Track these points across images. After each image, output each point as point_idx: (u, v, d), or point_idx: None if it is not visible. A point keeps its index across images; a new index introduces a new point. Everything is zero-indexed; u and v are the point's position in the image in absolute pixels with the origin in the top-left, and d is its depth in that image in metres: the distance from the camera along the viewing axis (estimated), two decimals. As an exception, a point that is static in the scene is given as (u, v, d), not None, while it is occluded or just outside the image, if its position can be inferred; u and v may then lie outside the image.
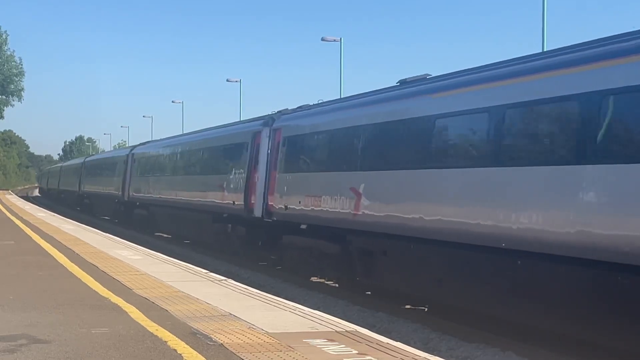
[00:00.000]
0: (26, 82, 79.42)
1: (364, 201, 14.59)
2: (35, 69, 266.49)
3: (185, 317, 9.47)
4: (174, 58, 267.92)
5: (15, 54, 67.69)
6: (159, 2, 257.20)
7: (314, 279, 18.31)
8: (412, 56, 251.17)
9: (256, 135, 20.89)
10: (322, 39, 39.74)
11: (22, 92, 68.22)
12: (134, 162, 37.26)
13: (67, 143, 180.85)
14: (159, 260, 16.81)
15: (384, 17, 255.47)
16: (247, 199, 20.73)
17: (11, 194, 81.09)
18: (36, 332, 8.49)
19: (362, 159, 15.13)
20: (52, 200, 79.25)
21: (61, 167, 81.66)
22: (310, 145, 17.92)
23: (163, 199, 30.75)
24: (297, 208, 17.45)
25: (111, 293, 11.44)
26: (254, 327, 8.90)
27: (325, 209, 16.10)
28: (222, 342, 8.01)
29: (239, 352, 7.53)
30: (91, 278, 13.19)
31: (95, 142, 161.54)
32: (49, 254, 17.54)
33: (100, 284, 12.49)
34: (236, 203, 21.55)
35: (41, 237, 22.27)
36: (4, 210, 41.69)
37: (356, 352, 7.66)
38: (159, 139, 38.87)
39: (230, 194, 22.25)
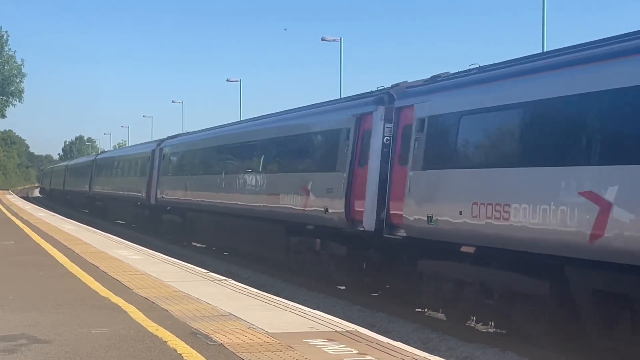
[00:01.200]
0: (26, 82, 79.31)
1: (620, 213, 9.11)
2: (36, 69, 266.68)
3: (185, 317, 9.47)
4: (174, 58, 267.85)
5: (16, 55, 67.56)
6: (159, 2, 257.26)
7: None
8: (412, 56, 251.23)
9: (363, 118, 15.51)
10: (322, 39, 39.74)
11: (22, 94, 68.17)
12: (163, 159, 31.80)
13: (67, 143, 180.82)
14: (159, 260, 16.81)
15: (384, 17, 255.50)
16: (349, 205, 15.46)
17: (11, 194, 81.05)
18: (36, 332, 8.50)
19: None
20: (55, 201, 75.09)
21: (67, 165, 75.69)
22: (491, 127, 12.00)
23: (207, 203, 24.80)
24: (456, 221, 11.95)
25: (111, 293, 11.45)
26: (254, 327, 8.90)
27: (522, 225, 10.49)
28: (222, 342, 8.01)
29: (239, 352, 7.53)
30: (91, 278, 13.20)
31: (95, 142, 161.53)
32: (49, 254, 17.55)
33: (101, 283, 12.49)
34: (330, 211, 16.06)
35: (41, 237, 22.27)
36: (4, 210, 41.69)
37: (356, 352, 7.67)
38: (194, 130, 32.66)
39: (319, 199, 16.72)
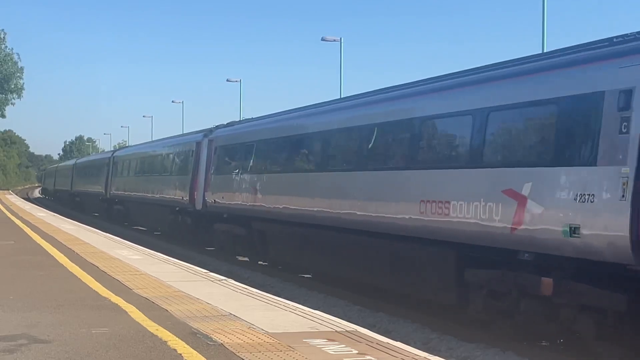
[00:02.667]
0: (27, 83, 79.18)
1: None
2: (36, 69, 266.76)
3: (185, 317, 9.47)
4: (174, 58, 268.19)
5: (13, 51, 67.35)
6: (159, 2, 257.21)
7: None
8: (412, 56, 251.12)
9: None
10: (322, 39, 39.77)
11: (22, 91, 68.02)
12: (215, 153, 24.79)
13: (67, 143, 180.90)
14: (159, 260, 16.81)
15: (384, 17, 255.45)
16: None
17: (11, 194, 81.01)
18: (36, 332, 8.50)
19: None
20: (61, 203, 68.21)
21: (75, 163, 65.74)
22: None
23: (291, 211, 18.09)
24: None
25: (111, 293, 11.45)
26: (254, 327, 8.90)
27: None
28: (222, 342, 8.01)
29: (239, 352, 7.53)
30: (91, 278, 13.20)
31: (95, 142, 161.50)
32: (49, 253, 17.54)
33: (101, 283, 12.49)
34: (586, 232, 9.57)
35: (41, 237, 22.27)
36: (4, 210, 41.68)
37: (356, 351, 7.67)
38: (261, 116, 24.89)
39: (555, 210, 10.13)
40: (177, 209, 28.74)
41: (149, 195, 33.26)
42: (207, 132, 26.90)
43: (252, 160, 21.22)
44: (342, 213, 15.53)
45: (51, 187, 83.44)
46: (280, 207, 18.58)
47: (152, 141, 42.52)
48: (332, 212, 15.97)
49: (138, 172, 37.41)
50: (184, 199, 27.41)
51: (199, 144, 26.87)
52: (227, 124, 26.57)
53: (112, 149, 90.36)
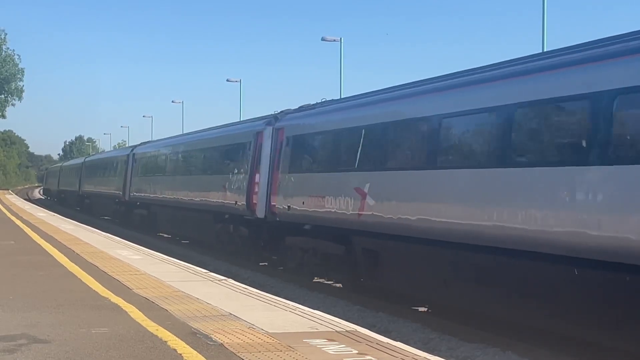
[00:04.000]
0: (26, 83, 79.09)
1: None
2: (35, 69, 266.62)
3: (185, 317, 9.47)
4: (174, 58, 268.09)
5: (14, 53, 67.34)
6: (159, 2, 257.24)
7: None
8: (413, 56, 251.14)
9: None
10: (322, 39, 39.73)
11: (22, 93, 68.00)
12: (288, 145, 18.92)
13: (67, 143, 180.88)
14: (159, 260, 16.81)
15: (384, 17, 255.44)
16: None
17: (11, 194, 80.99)
18: (36, 332, 8.49)
19: None
20: (67, 205, 61.96)
21: (84, 161, 58.24)
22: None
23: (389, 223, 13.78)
24: None
25: (111, 293, 11.45)
26: (254, 327, 8.90)
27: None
28: (222, 342, 8.01)
29: (239, 352, 7.53)
30: (91, 278, 13.20)
31: (95, 142, 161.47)
32: (49, 253, 17.54)
33: (100, 283, 12.49)
34: None
35: (41, 237, 22.27)
36: (4, 210, 41.68)
37: (356, 352, 7.66)
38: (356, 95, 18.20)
39: None
40: (227, 216, 23.01)
41: (186, 198, 26.99)
42: (271, 120, 20.79)
43: (358, 152, 15.29)
44: (554, 232, 9.94)
45: (54, 188, 77.43)
46: (413, 218, 13.04)
47: (188, 133, 33.96)
48: (529, 229, 10.35)
49: (170, 170, 31.01)
50: (239, 204, 21.61)
51: (259, 134, 20.96)
52: (299, 107, 20.53)
53: (112, 148, 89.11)
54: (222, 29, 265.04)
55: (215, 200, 23.99)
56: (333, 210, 15.65)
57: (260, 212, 19.85)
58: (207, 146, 26.62)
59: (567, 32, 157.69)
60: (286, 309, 10.38)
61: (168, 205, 30.10)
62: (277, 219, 18.81)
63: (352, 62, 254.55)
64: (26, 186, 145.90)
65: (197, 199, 25.93)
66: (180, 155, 30.51)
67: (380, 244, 14.61)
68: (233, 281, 13.52)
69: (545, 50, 24.12)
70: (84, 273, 13.87)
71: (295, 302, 11.46)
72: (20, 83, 67.35)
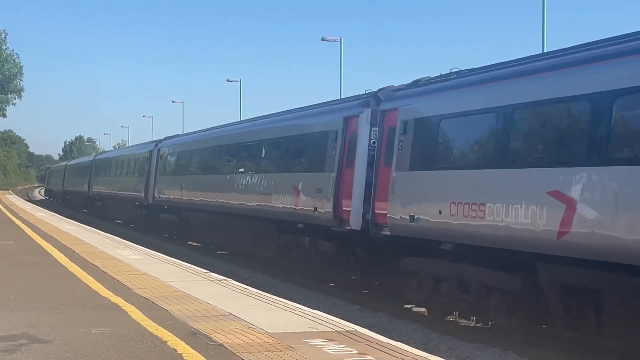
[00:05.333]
0: (26, 82, 79.01)
1: None
2: (36, 69, 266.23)
3: (185, 317, 9.47)
4: (174, 58, 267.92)
5: (14, 52, 67.33)
6: (159, 2, 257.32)
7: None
8: (413, 56, 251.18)
9: None
10: (322, 39, 39.72)
11: (22, 92, 67.98)
12: (410, 133, 13.95)
13: (67, 143, 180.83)
14: (159, 260, 16.81)
15: (384, 17, 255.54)
16: None
17: (11, 194, 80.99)
18: (36, 332, 8.49)
19: None
20: (74, 207, 57.03)
21: (94, 160, 52.59)
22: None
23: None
24: None
25: (111, 293, 11.45)
26: (254, 327, 8.90)
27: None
28: (222, 342, 8.01)
29: (239, 352, 7.53)
30: (91, 278, 13.20)
31: (95, 142, 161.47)
32: (49, 253, 17.54)
33: (101, 283, 12.49)
34: None
35: (41, 237, 22.27)
36: (4, 210, 41.68)
37: (356, 351, 7.67)
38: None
39: None
40: (301, 226, 18.01)
41: (235, 203, 22.15)
42: (369, 100, 15.74)
43: (566, 138, 10.56)
44: None
45: (57, 188, 71.83)
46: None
47: (238, 122, 27.87)
48: None
49: (211, 168, 25.69)
50: (320, 211, 16.64)
51: (350, 120, 16.16)
52: (415, 82, 15.02)
53: (112, 148, 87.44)
54: (222, 29, 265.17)
55: (280, 206, 18.70)
56: (503, 225, 11.05)
57: (355, 222, 15.31)
58: (268, 137, 20.92)
59: (567, 32, 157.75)
60: (286, 309, 10.38)
61: (207, 211, 24.91)
62: (386, 233, 14.16)
63: (352, 62, 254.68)
64: (26, 186, 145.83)
65: (253, 204, 20.59)
66: (226, 150, 24.62)
67: (603, 279, 9.68)
68: (233, 281, 13.52)
69: (545, 50, 24.09)
70: (84, 273, 13.88)
71: (295, 302, 11.46)
72: (21, 82, 67.35)
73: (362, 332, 8.88)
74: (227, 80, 56.22)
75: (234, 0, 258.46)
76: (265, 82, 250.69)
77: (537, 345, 10.99)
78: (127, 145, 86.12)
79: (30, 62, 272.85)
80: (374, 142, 15.14)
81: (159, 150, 32.66)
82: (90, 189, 49.07)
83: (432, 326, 12.86)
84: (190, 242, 28.43)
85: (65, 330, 8.62)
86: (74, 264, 15.27)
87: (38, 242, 20.80)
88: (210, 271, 15.40)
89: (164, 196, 30.36)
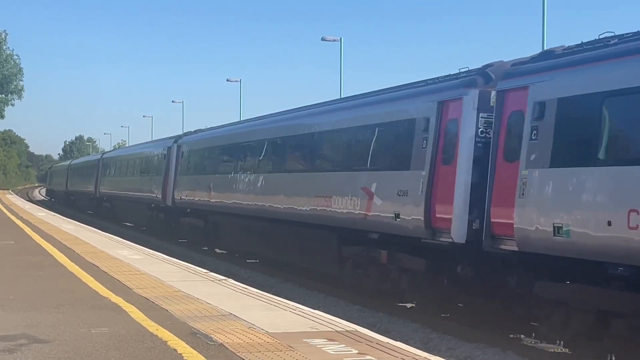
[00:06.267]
0: (26, 83, 78.90)
1: None
2: (36, 69, 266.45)
3: (185, 317, 9.47)
4: (174, 58, 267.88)
5: (14, 52, 67.28)
6: (159, 2, 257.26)
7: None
8: (412, 56, 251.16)
9: None
10: (322, 39, 39.67)
11: (22, 92, 67.93)
12: (549, 117, 10.87)
13: (67, 143, 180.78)
14: (159, 260, 16.80)
15: (384, 17, 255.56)
16: None
17: (11, 194, 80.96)
18: (36, 331, 8.49)
19: None
20: (79, 209, 53.50)
21: (101, 158, 48.46)
22: None
23: None
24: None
25: (111, 293, 11.44)
26: (254, 326, 8.90)
27: None
28: (222, 341, 8.01)
29: (239, 352, 7.53)
30: (91, 278, 13.19)
31: (95, 142, 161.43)
32: (49, 253, 17.54)
33: (101, 283, 12.49)
34: None
35: (41, 237, 22.26)
36: (4, 210, 41.67)
37: (356, 351, 7.66)
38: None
39: None
40: (375, 236, 14.86)
41: (281, 207, 18.85)
42: (474, 78, 12.87)
43: None
44: None
45: (60, 188, 68.28)
46: None
47: (283, 112, 22.29)
48: None
49: (249, 167, 21.92)
50: (406, 218, 13.65)
51: (446, 105, 13.23)
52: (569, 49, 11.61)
53: (112, 148, 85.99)
54: (222, 29, 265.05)
55: (345, 211, 15.64)
56: None
57: (457, 233, 12.30)
58: (328, 129, 17.45)
59: (568, 32, 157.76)
60: (286, 308, 10.37)
61: (242, 215, 21.72)
62: (510, 248, 11.13)
63: (352, 62, 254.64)
64: (26, 186, 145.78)
65: (305, 208, 17.46)
66: (270, 145, 20.68)
67: None
68: (233, 281, 13.52)
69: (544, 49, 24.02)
70: (84, 273, 13.87)
71: (295, 302, 11.46)
72: (21, 82, 67.33)
73: (362, 332, 8.88)
74: (227, 80, 56.17)
75: (234, 0, 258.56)
76: (265, 82, 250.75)
77: (537, 345, 10.97)
78: (127, 145, 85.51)
79: (30, 62, 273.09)
80: (482, 132, 12.18)
81: (179, 147, 29.25)
82: (97, 189, 46.16)
83: (432, 326, 12.86)
84: (217, 250, 25.56)
85: (65, 330, 8.61)
86: (74, 264, 15.26)
87: (38, 242, 20.79)
88: (211, 271, 15.39)
89: (187, 198, 26.91)
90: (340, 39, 40.09)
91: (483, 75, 12.69)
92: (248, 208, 20.94)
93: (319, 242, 17.17)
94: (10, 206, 47.30)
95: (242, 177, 21.88)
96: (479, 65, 13.25)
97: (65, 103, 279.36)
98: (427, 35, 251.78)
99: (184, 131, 35.00)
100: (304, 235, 17.92)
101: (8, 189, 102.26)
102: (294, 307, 10.52)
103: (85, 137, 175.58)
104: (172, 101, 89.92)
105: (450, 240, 12.34)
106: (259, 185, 20.52)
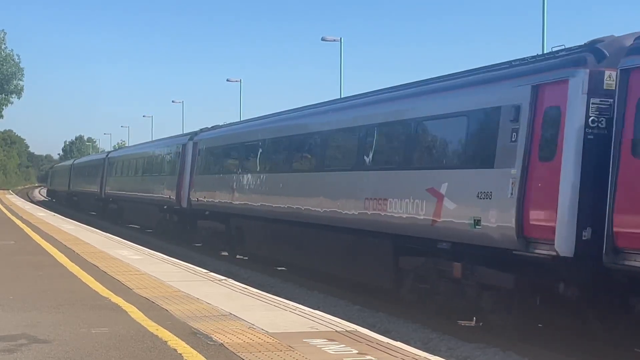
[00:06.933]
0: (26, 82, 78.78)
1: None
2: (36, 69, 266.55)
3: (185, 317, 9.47)
4: (174, 58, 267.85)
5: (13, 52, 67.14)
6: (159, 2, 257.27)
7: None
8: (412, 56, 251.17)
9: None
10: (322, 39, 39.72)
11: (21, 92, 67.84)
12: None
13: (67, 143, 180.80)
14: (159, 260, 16.81)
15: (384, 17, 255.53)
16: None
17: (12, 194, 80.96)
18: (36, 332, 8.49)
19: None
20: (82, 210, 51.58)
21: (107, 157, 46.04)
22: None
23: None
24: None
25: (111, 293, 11.45)
26: (254, 327, 8.90)
27: None
28: (222, 341, 8.01)
29: (239, 352, 7.53)
30: (91, 278, 13.20)
31: (95, 142, 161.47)
32: (50, 253, 17.54)
33: (101, 283, 12.49)
34: None
35: (41, 237, 22.26)
36: (4, 210, 41.68)
37: (356, 351, 7.67)
38: None
39: None
40: (444, 246, 12.57)
41: (321, 210, 16.52)
42: (585, 55, 10.71)
43: None
44: None
45: (62, 188, 65.90)
46: None
47: (331, 102, 19.57)
48: None
49: (281, 165, 19.68)
50: (486, 225, 11.52)
51: (550, 88, 11.00)
52: None
53: (112, 148, 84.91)
54: (222, 29, 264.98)
55: (405, 215, 13.38)
56: None
57: (563, 245, 10.18)
58: (381, 121, 15.01)
59: (567, 32, 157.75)
60: (286, 309, 10.38)
61: (273, 219, 19.32)
62: None
63: (352, 62, 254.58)
64: (26, 186, 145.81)
65: (353, 212, 15.11)
66: (308, 140, 18.55)
67: None
68: (233, 281, 13.52)
69: (544, 51, 24.07)
70: (84, 273, 13.87)
71: (295, 302, 11.46)
72: (21, 82, 67.24)
73: (362, 332, 8.88)
74: (227, 80, 56.32)
75: (234, 0, 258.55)
76: (265, 82, 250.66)
77: (537, 346, 10.97)
78: (127, 145, 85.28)
79: (30, 62, 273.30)
80: (594, 121, 10.16)
81: (195, 144, 26.84)
82: (102, 189, 43.84)
83: (432, 326, 12.85)
84: (238, 256, 23.30)
85: (65, 330, 8.61)
86: (74, 264, 15.27)
87: (38, 242, 20.79)
88: (211, 271, 15.39)
89: (205, 199, 24.63)
90: (340, 39, 40.13)
91: (594, 53, 10.53)
92: (279, 211, 18.60)
93: (369, 251, 14.91)
94: (11, 206, 47.31)
95: (273, 177, 19.63)
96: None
97: (65, 103, 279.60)
98: (427, 35, 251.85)
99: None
100: (350, 243, 15.62)
101: (8, 189, 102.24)
102: (294, 307, 10.52)
103: (85, 137, 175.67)
104: (172, 101, 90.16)
105: (552, 253, 10.14)
106: (294, 185, 18.20)
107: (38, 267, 14.83)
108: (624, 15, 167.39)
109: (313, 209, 16.71)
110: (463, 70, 13.93)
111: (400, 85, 15.87)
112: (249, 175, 21.20)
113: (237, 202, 21.60)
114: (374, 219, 14.25)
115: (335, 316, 10.33)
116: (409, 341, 10.93)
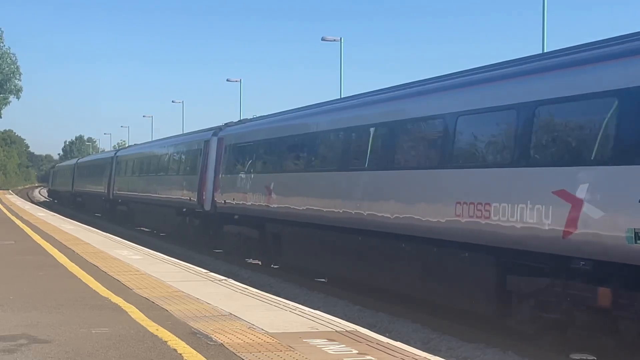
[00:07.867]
0: (26, 82, 78.90)
1: None
2: (35, 69, 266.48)
3: (185, 317, 9.47)
4: (174, 58, 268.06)
5: (10, 51, 66.97)
6: (159, 2, 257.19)
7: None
8: (412, 56, 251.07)
9: None
10: (322, 39, 39.72)
11: (20, 92, 67.68)
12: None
13: (67, 143, 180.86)
14: (159, 260, 16.81)
15: (384, 17, 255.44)
16: None
17: (12, 194, 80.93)
18: (36, 332, 8.49)
19: None
20: (86, 212, 50.18)
21: (115, 156, 42.94)
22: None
23: None
24: None
25: (111, 293, 11.45)
26: (254, 327, 8.90)
27: None
28: (222, 342, 8.01)
29: (239, 352, 7.53)
30: (91, 278, 13.20)
31: (95, 142, 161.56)
32: (49, 253, 17.54)
33: (101, 283, 12.49)
34: None
35: (41, 237, 22.26)
36: (4, 210, 41.67)
37: (356, 351, 7.66)
38: None
39: None
40: (581, 266, 9.83)
41: (392, 217, 13.76)
42: None
43: None
44: None
45: (65, 189, 63.00)
46: None
47: (402, 86, 15.48)
48: None
49: (344, 162, 15.96)
50: None
51: None
52: None
53: (112, 149, 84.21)
54: (222, 29, 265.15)
55: (519, 226, 10.54)
56: None
57: None
58: (479, 107, 11.85)
59: (567, 32, 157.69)
60: (286, 309, 10.38)
61: (322, 225, 16.44)
62: None
63: (352, 62, 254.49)
64: (26, 186, 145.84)
65: (440, 220, 12.26)
66: (374, 132, 14.97)
67: None
68: (233, 281, 13.52)
69: (544, 51, 24.07)
70: (84, 273, 13.87)
71: (295, 302, 11.46)
72: (19, 82, 67.14)
73: (362, 332, 8.88)
74: (227, 80, 56.34)
75: (234, 0, 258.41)
76: (265, 82, 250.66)
77: (537, 346, 10.96)
78: (126, 145, 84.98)
79: (30, 62, 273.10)
80: None
81: (221, 140, 23.82)
82: (110, 190, 40.94)
83: (432, 326, 12.85)
84: (273, 266, 20.80)
85: (65, 330, 8.61)
86: (74, 264, 15.26)
87: (38, 242, 20.79)
88: (210, 271, 15.40)
89: (234, 201, 21.77)
90: (340, 39, 40.14)
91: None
92: (332, 217, 15.77)
93: (460, 267, 12.08)
94: (11, 206, 47.30)
95: (324, 176, 16.55)
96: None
97: (65, 103, 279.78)
98: (427, 35, 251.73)
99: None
100: (433, 257, 12.81)
101: (8, 189, 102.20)
102: (293, 307, 10.52)
103: (85, 137, 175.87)
104: (172, 101, 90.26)
105: None
106: (352, 187, 15.23)
107: (38, 267, 14.82)
108: (624, 15, 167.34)
109: (380, 214, 13.95)
110: (603, 39, 10.56)
111: (500, 63, 12.50)
112: (291, 175, 18.39)
113: (275, 206, 18.64)
114: (469, 228, 11.46)
115: (335, 316, 10.33)
116: (409, 341, 10.94)
